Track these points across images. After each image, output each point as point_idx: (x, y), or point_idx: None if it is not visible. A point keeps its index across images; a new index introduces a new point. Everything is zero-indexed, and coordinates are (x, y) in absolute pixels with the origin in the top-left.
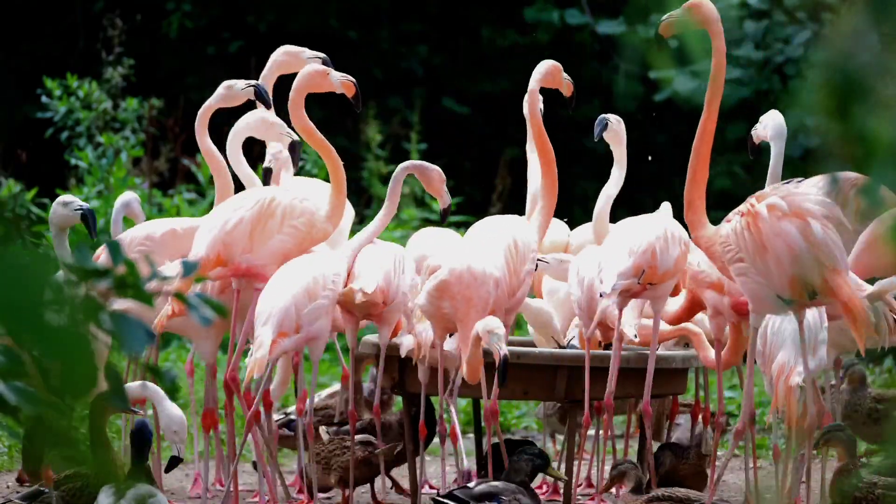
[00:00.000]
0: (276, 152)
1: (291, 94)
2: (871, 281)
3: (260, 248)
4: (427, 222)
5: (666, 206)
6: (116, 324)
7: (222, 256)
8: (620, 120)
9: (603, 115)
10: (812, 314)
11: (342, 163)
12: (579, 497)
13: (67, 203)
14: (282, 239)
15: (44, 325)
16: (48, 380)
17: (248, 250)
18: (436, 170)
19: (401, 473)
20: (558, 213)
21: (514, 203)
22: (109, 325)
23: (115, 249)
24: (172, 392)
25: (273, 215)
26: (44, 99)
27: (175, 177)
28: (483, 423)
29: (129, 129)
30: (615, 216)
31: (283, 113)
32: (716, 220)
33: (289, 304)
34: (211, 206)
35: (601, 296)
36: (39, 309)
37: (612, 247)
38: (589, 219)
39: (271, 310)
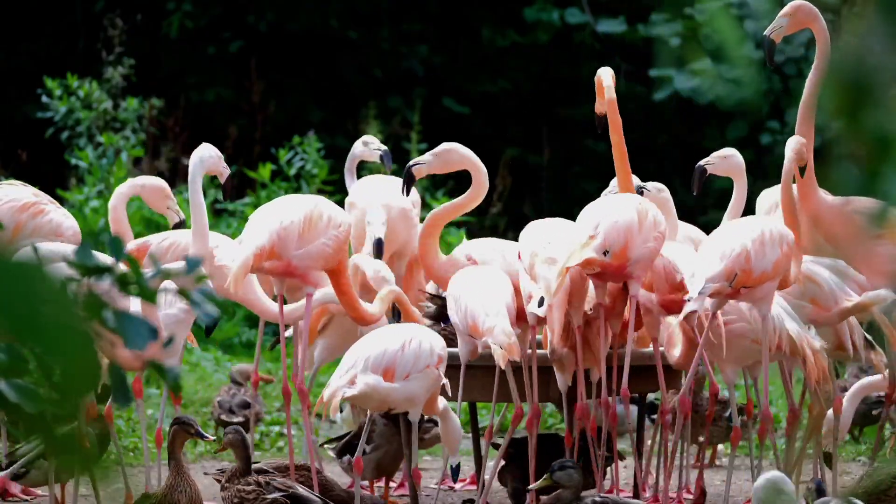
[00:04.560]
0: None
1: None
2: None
3: (307, 248)
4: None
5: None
6: (119, 321)
7: (276, 249)
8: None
9: (699, 164)
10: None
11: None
12: None
13: (368, 143)
14: (325, 243)
15: (46, 322)
16: (50, 377)
17: (299, 248)
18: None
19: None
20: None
21: (515, 203)
22: (113, 322)
23: (116, 245)
24: (175, 389)
25: (321, 218)
26: (44, 99)
27: (175, 177)
28: (480, 425)
29: (130, 129)
30: None
31: None
32: (716, 221)
33: (510, 301)
34: (211, 206)
35: (688, 300)
36: (42, 306)
37: (705, 250)
38: None
39: (499, 304)
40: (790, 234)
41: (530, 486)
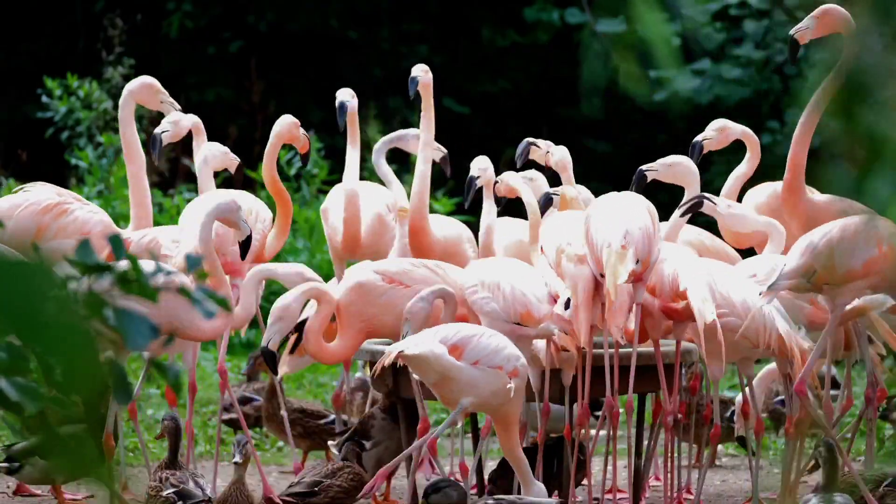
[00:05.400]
0: (175, 120)
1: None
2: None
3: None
4: None
5: None
6: (120, 319)
7: (217, 247)
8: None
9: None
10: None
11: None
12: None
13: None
14: (256, 238)
15: (47, 321)
16: (51, 377)
17: (234, 243)
18: None
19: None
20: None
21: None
22: (113, 321)
23: (116, 244)
24: (176, 388)
25: (251, 213)
26: (44, 99)
27: (175, 176)
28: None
29: None
30: None
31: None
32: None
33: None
34: None
35: (759, 294)
36: (43, 306)
37: (796, 244)
38: None
39: (545, 292)
40: (887, 232)
41: None
